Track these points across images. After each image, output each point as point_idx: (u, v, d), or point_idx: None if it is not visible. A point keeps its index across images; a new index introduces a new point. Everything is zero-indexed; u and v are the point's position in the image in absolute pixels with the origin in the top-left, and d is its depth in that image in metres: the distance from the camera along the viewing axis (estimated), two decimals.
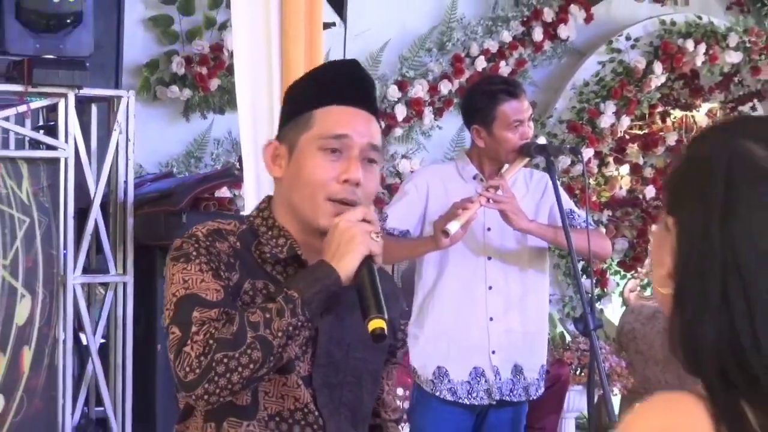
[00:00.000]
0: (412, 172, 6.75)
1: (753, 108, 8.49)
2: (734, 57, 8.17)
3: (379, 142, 2.52)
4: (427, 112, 7.31)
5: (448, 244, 4.22)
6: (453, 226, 4.14)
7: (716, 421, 1.32)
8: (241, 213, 5.05)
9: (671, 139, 8.15)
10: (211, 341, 2.22)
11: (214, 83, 6.45)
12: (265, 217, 2.47)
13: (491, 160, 4.45)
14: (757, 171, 1.34)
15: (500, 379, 4.40)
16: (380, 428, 2.65)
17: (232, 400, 2.36)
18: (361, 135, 2.45)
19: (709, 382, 1.37)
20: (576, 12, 7.76)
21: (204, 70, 6.49)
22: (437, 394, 4.39)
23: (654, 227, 1.54)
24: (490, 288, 4.37)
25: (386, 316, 2.31)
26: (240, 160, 4.55)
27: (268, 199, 2.54)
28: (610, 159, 7.98)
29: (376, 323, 2.29)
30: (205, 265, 2.34)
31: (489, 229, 4.50)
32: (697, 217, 1.36)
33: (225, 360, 2.23)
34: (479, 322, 4.39)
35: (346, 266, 2.33)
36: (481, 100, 4.44)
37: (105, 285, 4.81)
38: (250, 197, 2.83)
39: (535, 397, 4.68)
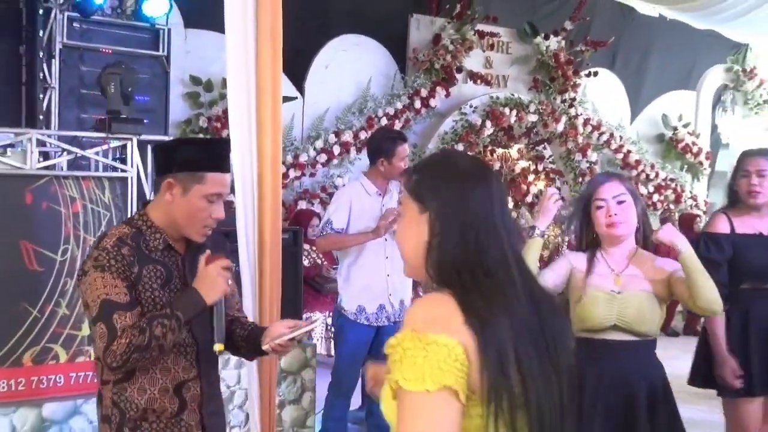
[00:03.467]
0: (343, 185, 6.74)
1: (544, 148, 8.57)
2: (533, 118, 8.34)
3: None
4: (353, 150, 7.35)
5: (383, 234, 4.27)
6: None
7: (463, 309, 1.37)
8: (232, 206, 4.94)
9: (496, 166, 8.16)
10: (131, 346, 2.15)
11: (224, 132, 6.34)
12: (145, 221, 2.33)
13: (385, 180, 4.43)
14: (472, 176, 1.52)
15: (393, 309, 4.44)
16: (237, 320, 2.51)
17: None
18: (227, 192, 2.39)
19: (453, 288, 1.42)
20: (440, 91, 7.87)
21: (218, 125, 6.57)
22: (358, 321, 4.41)
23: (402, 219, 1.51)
24: (387, 257, 4.36)
25: (223, 342, 2.33)
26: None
27: (144, 210, 2.38)
28: None
29: (218, 347, 2.33)
30: (116, 272, 2.22)
31: None
32: (445, 202, 1.48)
33: (138, 356, 2.18)
34: (382, 278, 4.39)
35: (210, 299, 2.27)
36: (385, 143, 4.41)
37: None
38: (239, 203, 2.90)
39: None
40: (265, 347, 2.42)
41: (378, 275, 4.38)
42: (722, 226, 3.64)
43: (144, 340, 2.17)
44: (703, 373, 3.75)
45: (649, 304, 2.92)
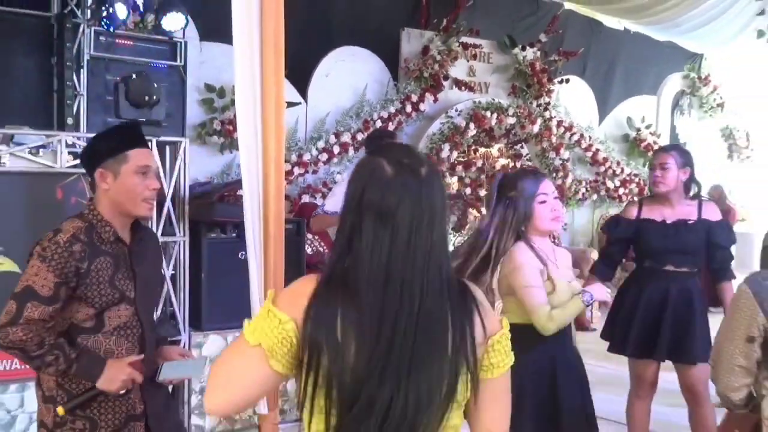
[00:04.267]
0: (342, 181, 6.73)
1: (521, 147, 8.56)
2: (511, 120, 8.32)
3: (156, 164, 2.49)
4: (351, 149, 7.30)
5: None
6: None
7: (315, 292, 1.44)
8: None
9: (479, 163, 8.19)
10: (21, 343, 2.11)
11: (236, 135, 6.32)
12: (95, 215, 2.30)
13: None
14: (383, 171, 1.45)
15: None
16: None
17: (76, 323, 2.25)
18: (153, 164, 2.40)
19: (324, 272, 1.48)
20: (429, 97, 7.84)
21: (230, 127, 6.53)
22: None
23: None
24: None
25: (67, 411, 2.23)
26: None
27: (92, 204, 2.35)
28: (447, 173, 7.95)
29: (160, 379, 2.39)
30: (54, 267, 2.16)
31: None
32: (350, 190, 1.49)
33: (17, 353, 2.16)
34: None
35: (101, 386, 2.22)
36: (381, 141, 4.45)
37: (173, 242, 4.63)
38: (246, 198, 2.88)
39: None
40: (158, 380, 2.43)
41: None
42: (631, 212, 3.80)
43: (33, 350, 2.13)
44: (610, 335, 3.88)
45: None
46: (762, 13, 5.87)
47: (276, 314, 1.44)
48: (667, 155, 3.70)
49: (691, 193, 3.72)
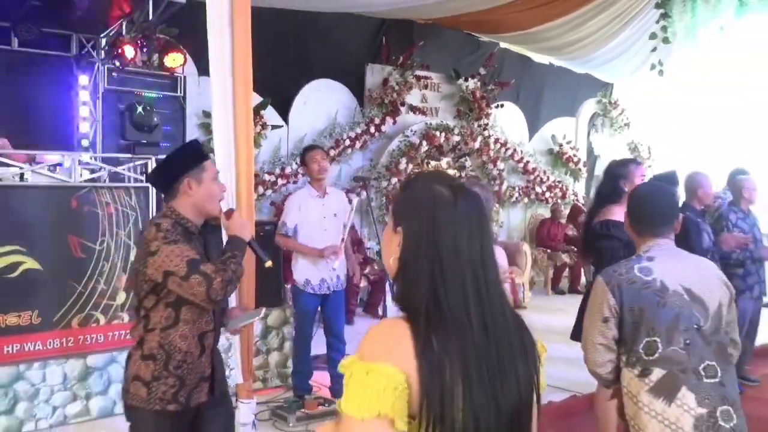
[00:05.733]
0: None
1: (465, 160, 8.54)
2: (457, 138, 8.32)
3: None
4: None
5: (325, 256, 4.05)
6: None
7: (415, 338, 1.10)
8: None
9: None
10: (224, 281, 2.13)
11: None
12: (177, 215, 2.25)
13: (318, 183, 4.20)
14: (445, 202, 1.16)
15: (333, 281, 4.20)
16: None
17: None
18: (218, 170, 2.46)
19: (414, 316, 1.13)
20: (389, 120, 7.80)
21: None
22: (306, 290, 4.19)
23: (385, 229, 1.28)
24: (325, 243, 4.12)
25: (270, 259, 2.36)
26: None
27: (171, 207, 2.28)
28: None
29: (268, 263, 2.38)
30: (183, 242, 2.17)
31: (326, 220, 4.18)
32: (414, 226, 1.16)
33: (231, 288, 2.17)
34: (323, 262, 4.13)
35: (246, 236, 2.29)
36: (304, 157, 4.27)
37: None
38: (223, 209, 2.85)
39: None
40: (225, 334, 2.47)
41: (321, 261, 4.14)
42: (619, 215, 3.38)
43: (229, 275, 2.16)
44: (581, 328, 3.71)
45: None
46: (654, 50, 5.93)
47: (381, 370, 1.07)
48: (642, 167, 3.51)
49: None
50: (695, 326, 2.03)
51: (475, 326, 1.13)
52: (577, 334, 3.60)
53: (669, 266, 2.09)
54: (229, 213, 2.38)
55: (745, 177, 4.89)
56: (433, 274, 1.13)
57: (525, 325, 1.23)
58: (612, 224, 3.30)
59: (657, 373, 2.02)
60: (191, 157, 2.35)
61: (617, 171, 3.45)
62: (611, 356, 2.13)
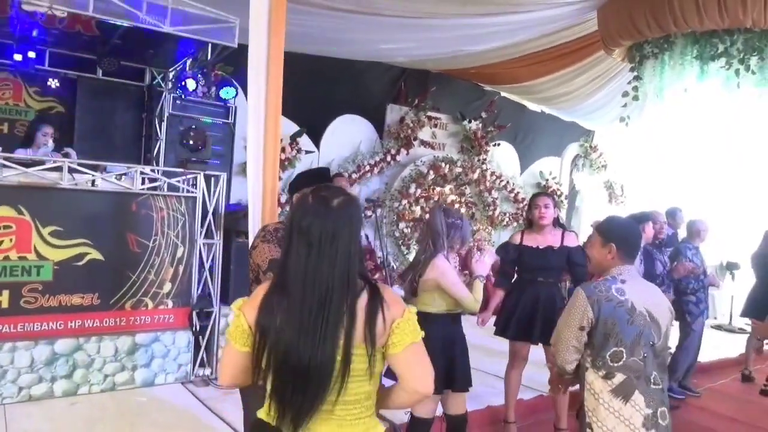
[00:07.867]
0: None
1: (465, 188, 8.44)
2: (459, 169, 8.25)
3: None
4: (347, 185, 7.23)
5: None
6: None
7: (264, 293, 1.44)
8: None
9: (435, 198, 8.06)
10: None
11: None
12: (284, 221, 2.23)
13: None
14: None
15: None
16: None
17: None
18: None
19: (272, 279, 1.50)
20: (403, 151, 7.77)
21: None
22: None
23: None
24: None
25: None
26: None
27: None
28: (413, 204, 7.85)
29: None
30: (275, 243, 2.14)
31: None
32: None
33: None
34: None
35: None
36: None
37: (212, 243, 4.46)
38: (250, 218, 2.75)
39: None
40: None
41: None
42: (516, 239, 3.63)
43: None
44: (501, 327, 3.70)
45: None
46: (625, 105, 5.88)
47: (237, 313, 1.48)
48: (547, 198, 3.55)
49: (557, 226, 3.60)
50: (651, 343, 2.10)
51: (306, 288, 1.36)
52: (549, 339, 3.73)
53: (637, 290, 2.14)
54: None
55: (700, 220, 4.91)
56: (288, 247, 1.42)
57: (377, 301, 1.40)
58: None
59: (619, 378, 2.08)
60: (314, 178, 2.30)
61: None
62: (578, 356, 2.17)
